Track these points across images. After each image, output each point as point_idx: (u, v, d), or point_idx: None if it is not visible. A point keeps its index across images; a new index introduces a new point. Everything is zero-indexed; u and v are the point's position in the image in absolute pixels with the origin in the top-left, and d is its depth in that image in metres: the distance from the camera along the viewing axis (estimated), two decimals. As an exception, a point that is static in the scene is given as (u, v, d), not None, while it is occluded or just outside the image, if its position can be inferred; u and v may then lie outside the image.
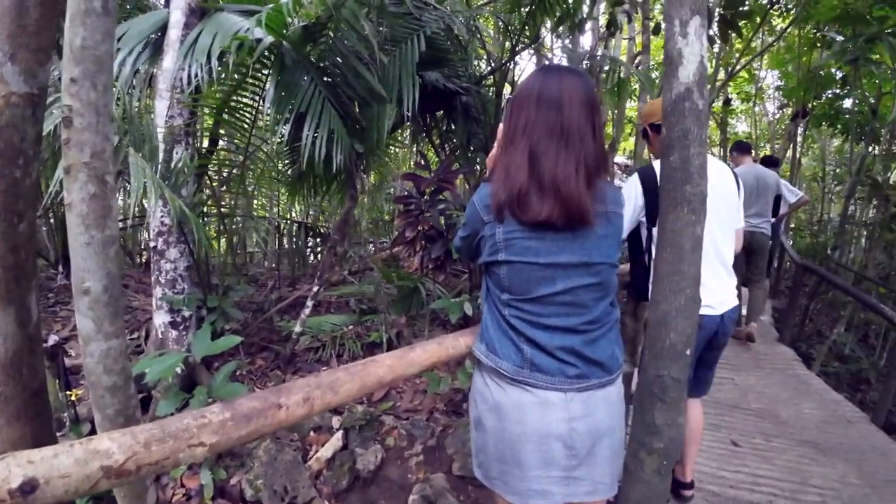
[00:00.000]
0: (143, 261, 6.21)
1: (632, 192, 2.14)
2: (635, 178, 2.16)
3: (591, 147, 1.24)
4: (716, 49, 10.14)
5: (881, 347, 7.43)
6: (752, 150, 5.64)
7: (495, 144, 1.45)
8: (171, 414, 2.60)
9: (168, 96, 3.28)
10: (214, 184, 3.91)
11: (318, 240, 6.02)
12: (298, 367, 3.93)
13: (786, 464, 3.11)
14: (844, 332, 7.64)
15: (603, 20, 8.14)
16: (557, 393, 1.27)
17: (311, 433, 3.20)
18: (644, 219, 2.16)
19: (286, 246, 6.45)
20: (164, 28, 3.42)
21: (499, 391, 1.32)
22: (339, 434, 3.12)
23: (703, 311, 2.09)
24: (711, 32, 4.39)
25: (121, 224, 5.84)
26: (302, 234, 5.92)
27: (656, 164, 2.10)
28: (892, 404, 4.85)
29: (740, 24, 4.14)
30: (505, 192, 1.24)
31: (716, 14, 4.88)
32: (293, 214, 7.08)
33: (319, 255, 6.29)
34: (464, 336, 1.65)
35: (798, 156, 11.56)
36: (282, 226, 5.77)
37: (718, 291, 2.15)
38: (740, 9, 4.00)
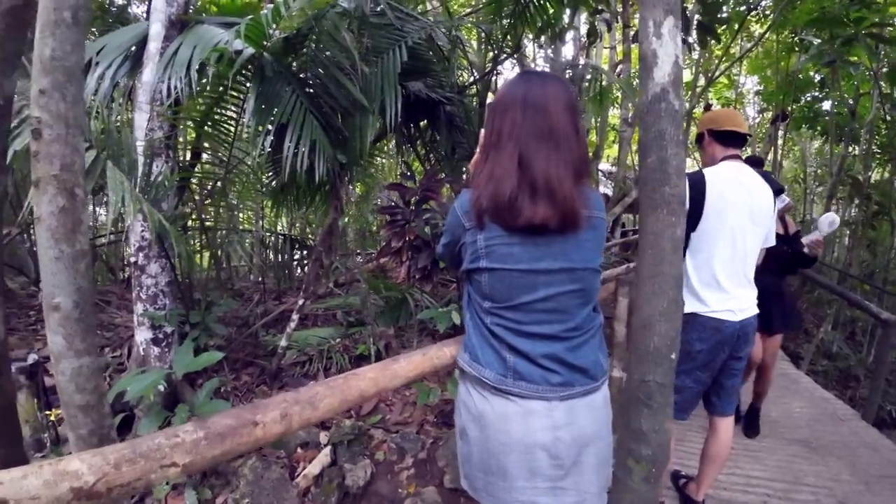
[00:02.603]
0: (126, 276, 6.11)
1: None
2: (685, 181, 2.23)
3: (576, 150, 1.23)
4: (695, 55, 10.34)
5: (868, 344, 7.52)
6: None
7: (477, 150, 1.44)
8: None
9: (148, 109, 3.25)
10: (197, 197, 3.86)
11: (304, 252, 5.97)
12: (285, 382, 3.87)
13: (778, 463, 3.12)
14: (831, 330, 7.72)
15: (584, 30, 8.24)
16: (541, 401, 1.25)
17: (299, 450, 3.15)
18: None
19: (271, 259, 6.39)
20: (143, 41, 3.39)
21: (482, 401, 1.30)
22: (327, 450, 3.06)
23: (722, 316, 2.14)
24: (691, 39, 4.47)
25: (102, 239, 5.75)
26: (287, 247, 5.87)
27: (706, 171, 2.20)
28: (882, 400, 4.91)
29: (718, 30, 4.20)
30: (488, 198, 1.22)
31: (694, 21, 4.96)
32: (278, 227, 7.02)
33: (305, 268, 6.24)
34: (448, 346, 1.63)
35: (779, 158, 11.75)
36: (266, 239, 5.71)
37: (739, 298, 2.18)
38: (718, 15, 4.06)
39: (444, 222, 1.52)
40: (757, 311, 2.26)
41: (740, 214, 2.15)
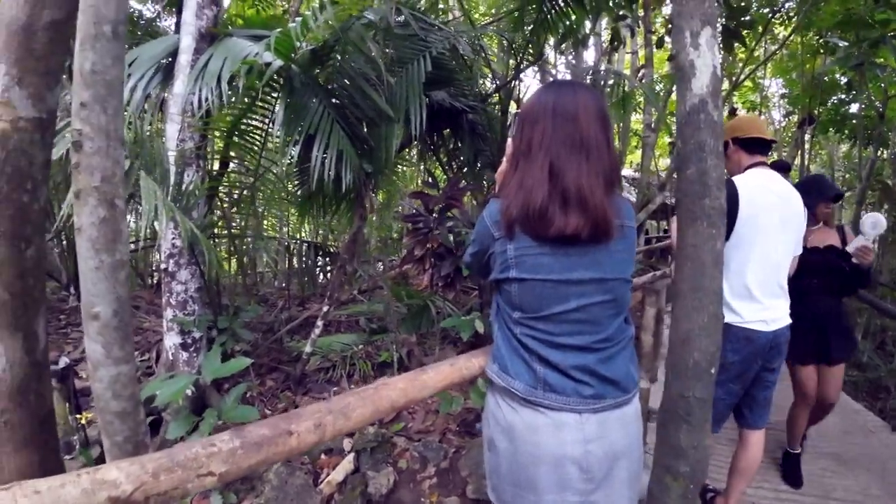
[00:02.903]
0: (154, 282, 6.23)
1: None
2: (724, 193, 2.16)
3: (607, 159, 1.21)
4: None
5: (899, 354, 7.26)
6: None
7: (504, 160, 1.44)
8: (182, 437, 2.58)
9: (179, 120, 3.31)
10: (225, 205, 3.93)
11: (328, 259, 6.02)
12: (309, 387, 3.89)
13: (807, 477, 3.01)
14: (861, 339, 7.47)
15: (606, 35, 8.18)
16: (572, 414, 1.23)
17: (322, 456, 3.15)
18: None
19: (296, 265, 6.45)
20: (174, 53, 3.46)
21: (511, 412, 1.29)
22: (351, 457, 3.06)
23: (755, 326, 2.09)
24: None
25: (132, 246, 5.87)
26: (311, 254, 5.92)
27: (736, 180, 2.13)
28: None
29: (743, 33, 4.12)
30: (519, 208, 1.21)
31: (719, 26, 4.88)
32: (303, 234, 7.09)
33: (329, 275, 6.29)
34: (476, 356, 1.61)
35: (806, 163, 11.47)
36: (292, 246, 5.78)
37: (772, 308, 2.13)
38: (743, 18, 3.98)
39: (472, 231, 1.51)
40: (789, 320, 2.20)
41: (772, 223, 2.09)
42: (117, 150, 1.20)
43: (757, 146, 2.23)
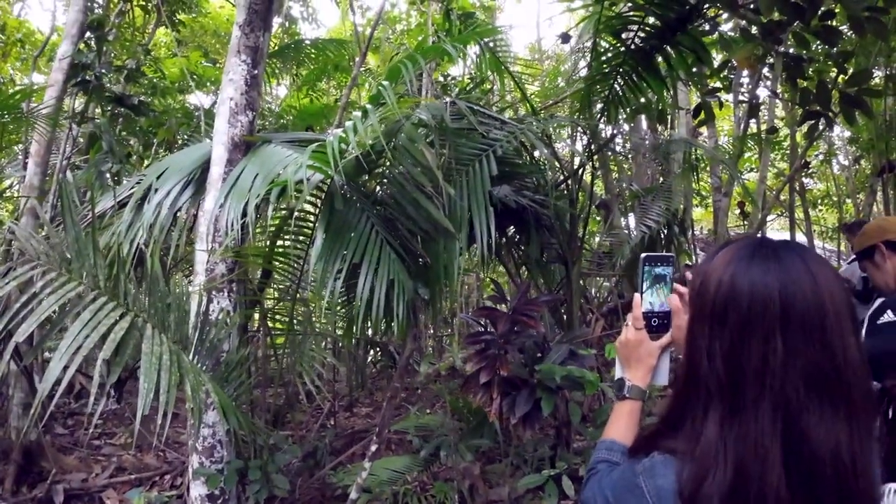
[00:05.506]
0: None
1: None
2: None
3: (868, 396, 0.69)
4: (780, 112, 9.27)
5: None
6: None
7: (629, 329, 0.94)
8: None
9: (209, 242, 2.78)
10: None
11: (378, 351, 5.35)
12: (356, 542, 3.12)
13: None
14: None
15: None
16: None
17: None
18: None
19: (343, 350, 5.77)
20: (208, 162, 2.98)
21: None
22: None
23: None
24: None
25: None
26: (361, 349, 5.25)
27: None
28: None
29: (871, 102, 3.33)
30: (726, 498, 0.63)
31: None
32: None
33: (377, 366, 5.62)
34: None
35: (893, 212, 10.12)
36: (339, 343, 5.12)
37: None
38: (866, 86, 3.20)
39: (609, 493, 0.79)
40: None
41: None
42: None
43: None
